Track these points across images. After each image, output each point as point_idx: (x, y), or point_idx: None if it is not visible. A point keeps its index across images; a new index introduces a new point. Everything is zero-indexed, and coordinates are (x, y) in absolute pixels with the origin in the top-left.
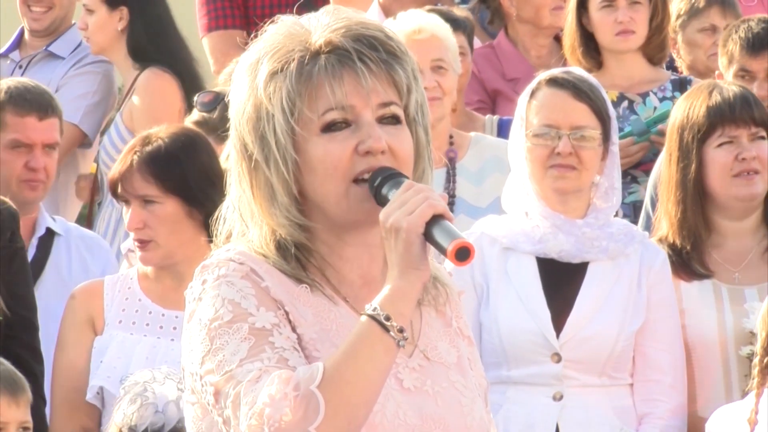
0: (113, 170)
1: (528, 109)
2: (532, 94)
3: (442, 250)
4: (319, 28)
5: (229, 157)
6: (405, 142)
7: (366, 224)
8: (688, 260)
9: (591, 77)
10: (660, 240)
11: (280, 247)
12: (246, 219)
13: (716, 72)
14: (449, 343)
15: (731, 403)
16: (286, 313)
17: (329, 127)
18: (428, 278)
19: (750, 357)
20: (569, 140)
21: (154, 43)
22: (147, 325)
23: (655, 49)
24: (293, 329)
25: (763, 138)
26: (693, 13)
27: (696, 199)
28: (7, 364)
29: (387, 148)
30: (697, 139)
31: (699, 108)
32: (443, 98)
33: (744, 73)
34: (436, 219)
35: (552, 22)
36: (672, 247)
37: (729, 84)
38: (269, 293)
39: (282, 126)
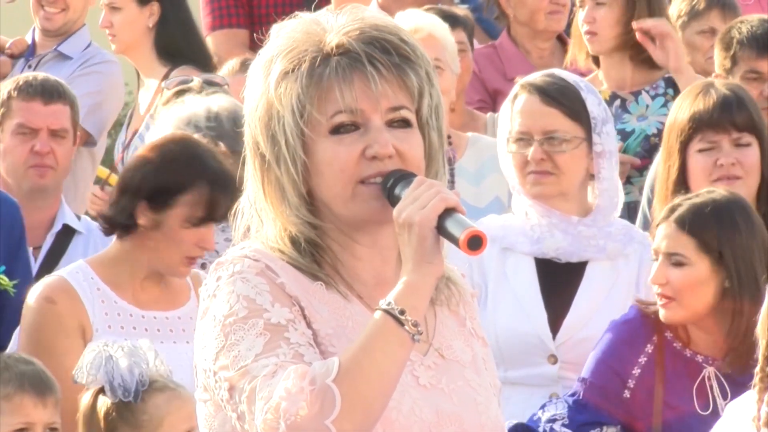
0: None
1: (511, 115)
2: (514, 99)
3: (454, 241)
4: (334, 28)
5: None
6: (414, 146)
7: (375, 224)
8: None
9: (572, 78)
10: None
11: (294, 242)
12: (261, 214)
13: (714, 74)
14: (464, 343)
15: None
16: (302, 309)
17: (337, 130)
18: (442, 272)
19: None
20: (539, 147)
21: (186, 40)
22: (134, 328)
23: (633, 49)
24: (308, 325)
25: (748, 144)
26: (693, 14)
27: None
28: (38, 364)
29: (394, 153)
30: (680, 142)
31: (685, 111)
32: (442, 97)
33: (754, 75)
34: (448, 212)
35: (548, 26)
36: None
37: (723, 85)
38: (284, 289)
39: (291, 127)
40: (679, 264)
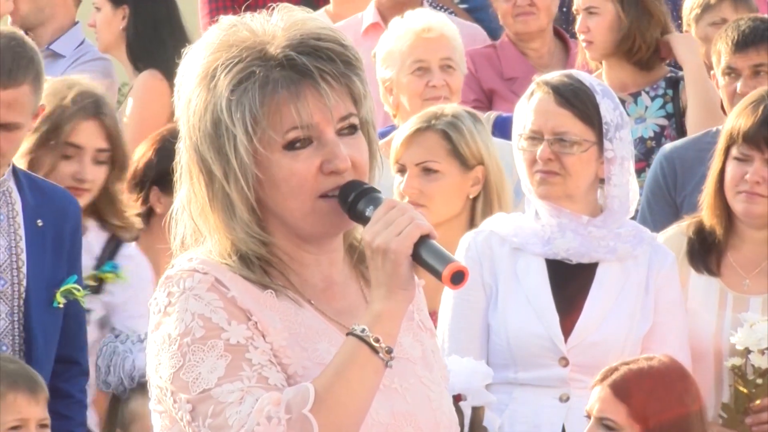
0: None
1: (525, 112)
2: (530, 96)
3: (436, 273)
4: (275, 38)
5: (180, 160)
6: (363, 151)
7: (330, 236)
8: (706, 252)
9: (588, 81)
10: (690, 223)
11: (243, 258)
12: (200, 224)
13: (711, 72)
14: (413, 338)
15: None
16: (255, 323)
17: (292, 145)
18: (413, 297)
19: (734, 369)
20: (548, 146)
21: (155, 44)
22: None
23: (629, 53)
24: (263, 338)
25: None
26: (705, 7)
27: (717, 198)
28: (23, 363)
29: (350, 164)
30: (725, 146)
31: (733, 119)
32: (451, 97)
33: (730, 71)
34: (422, 240)
35: (517, 29)
36: (697, 232)
37: None
38: (236, 303)
39: (245, 145)
40: (610, 429)
